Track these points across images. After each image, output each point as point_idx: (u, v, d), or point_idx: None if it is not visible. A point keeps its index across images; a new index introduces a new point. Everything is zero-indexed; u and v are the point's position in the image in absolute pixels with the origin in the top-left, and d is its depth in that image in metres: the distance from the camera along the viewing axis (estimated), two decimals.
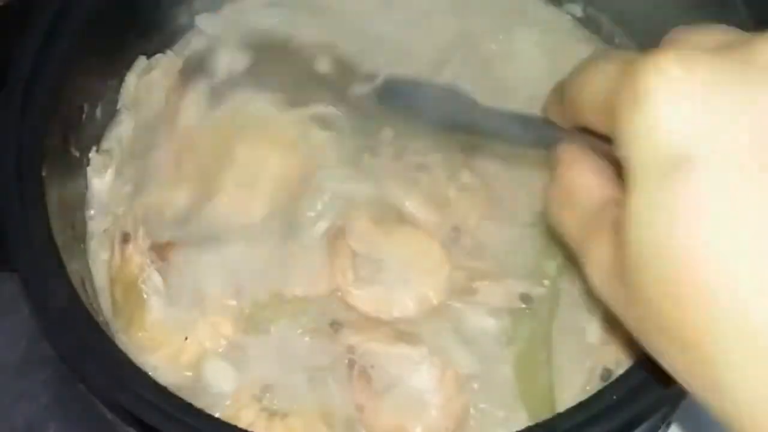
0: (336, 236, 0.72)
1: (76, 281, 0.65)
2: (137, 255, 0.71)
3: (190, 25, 0.86)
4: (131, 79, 0.83)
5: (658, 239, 0.33)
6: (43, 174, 0.67)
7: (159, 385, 0.61)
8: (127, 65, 0.83)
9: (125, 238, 0.72)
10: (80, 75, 0.74)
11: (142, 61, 0.84)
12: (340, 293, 0.71)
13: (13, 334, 0.79)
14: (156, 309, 0.70)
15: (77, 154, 0.76)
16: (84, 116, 0.77)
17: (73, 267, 0.66)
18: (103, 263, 0.74)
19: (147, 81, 0.83)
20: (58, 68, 0.71)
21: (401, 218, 0.73)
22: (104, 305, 0.72)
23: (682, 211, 0.32)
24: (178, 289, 0.71)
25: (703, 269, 0.32)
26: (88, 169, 0.78)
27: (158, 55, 0.85)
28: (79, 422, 0.77)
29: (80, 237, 0.74)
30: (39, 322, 0.63)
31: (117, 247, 0.72)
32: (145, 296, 0.71)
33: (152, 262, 0.71)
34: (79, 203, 0.76)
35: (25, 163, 0.67)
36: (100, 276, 0.73)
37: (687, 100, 0.32)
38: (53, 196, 0.67)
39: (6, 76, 0.69)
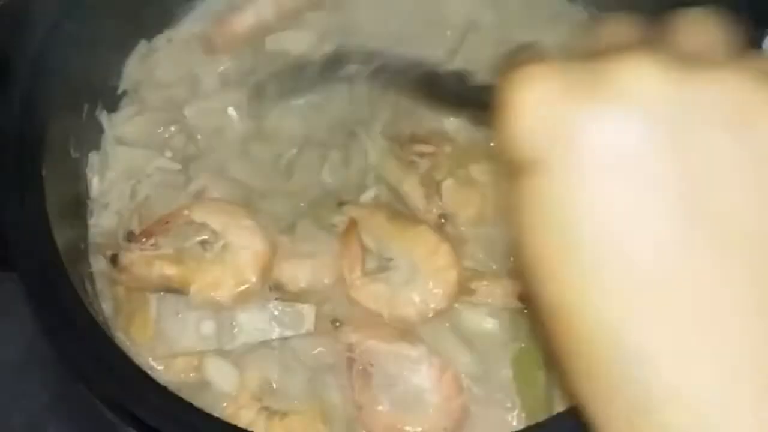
0: (348, 229, 0.72)
1: (76, 281, 0.65)
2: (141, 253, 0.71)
3: (190, 6, 0.86)
4: (132, 64, 0.82)
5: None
6: (43, 174, 0.67)
7: (159, 385, 0.61)
8: (127, 54, 0.82)
9: (129, 237, 0.72)
10: (80, 75, 0.74)
11: (142, 46, 0.83)
12: (344, 287, 0.71)
13: (13, 334, 0.79)
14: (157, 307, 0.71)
15: (77, 154, 0.76)
16: (84, 116, 0.77)
17: (73, 267, 0.66)
18: (103, 263, 0.73)
19: (150, 64, 0.83)
20: (57, 69, 0.71)
21: (414, 217, 0.73)
22: (104, 305, 0.72)
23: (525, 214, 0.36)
24: None
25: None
26: (88, 169, 0.78)
27: (160, 36, 0.84)
28: (79, 422, 0.77)
29: (80, 237, 0.74)
30: (39, 322, 0.63)
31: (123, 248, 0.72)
32: (147, 295, 0.71)
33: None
34: (79, 203, 0.76)
35: (25, 163, 0.67)
36: (99, 275, 0.73)
37: (536, 110, 0.35)
38: (53, 196, 0.67)
39: (6, 75, 0.69)
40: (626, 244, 0.33)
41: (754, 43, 0.72)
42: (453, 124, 0.78)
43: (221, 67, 0.82)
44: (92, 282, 0.72)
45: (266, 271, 0.71)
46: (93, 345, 0.61)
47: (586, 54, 0.36)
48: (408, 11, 0.84)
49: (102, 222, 0.76)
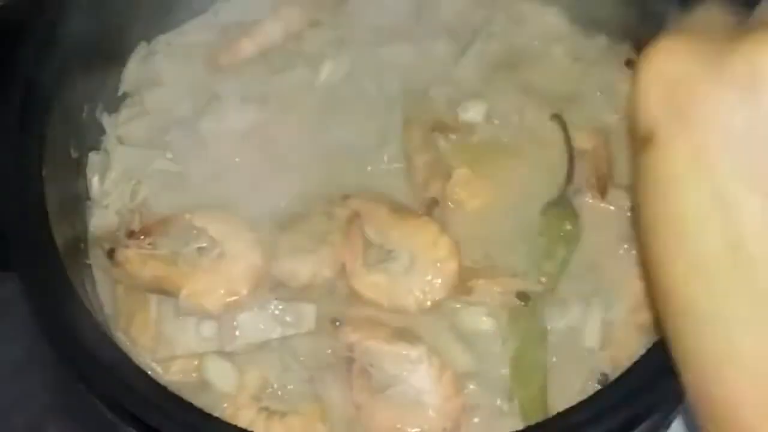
0: (351, 220, 0.73)
1: (76, 281, 0.65)
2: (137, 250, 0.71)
3: (190, 13, 0.86)
4: (132, 66, 0.82)
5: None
6: (43, 174, 0.67)
7: (159, 385, 0.61)
8: (126, 55, 0.82)
9: (130, 235, 0.72)
10: (80, 75, 0.74)
11: (142, 48, 0.83)
12: (345, 281, 0.71)
13: (13, 334, 0.79)
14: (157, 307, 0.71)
15: (77, 154, 0.76)
16: (84, 116, 0.77)
17: (73, 267, 0.66)
18: (103, 262, 0.74)
19: (150, 66, 0.82)
20: (57, 69, 0.71)
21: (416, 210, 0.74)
22: (104, 304, 0.72)
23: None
24: None
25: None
26: (88, 169, 0.78)
27: (160, 37, 0.84)
28: (79, 422, 0.77)
29: (80, 237, 0.74)
30: (39, 322, 0.63)
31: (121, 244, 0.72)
32: (147, 295, 0.71)
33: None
34: (79, 203, 0.76)
35: (25, 163, 0.67)
36: (99, 275, 0.73)
37: (660, 84, 0.38)
38: (53, 196, 0.67)
39: (6, 76, 0.69)
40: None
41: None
42: (479, 117, 0.78)
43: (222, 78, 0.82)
44: (92, 282, 0.72)
45: (258, 285, 0.71)
46: (93, 345, 0.61)
47: (717, 31, 0.38)
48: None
49: (102, 222, 0.76)
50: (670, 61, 0.37)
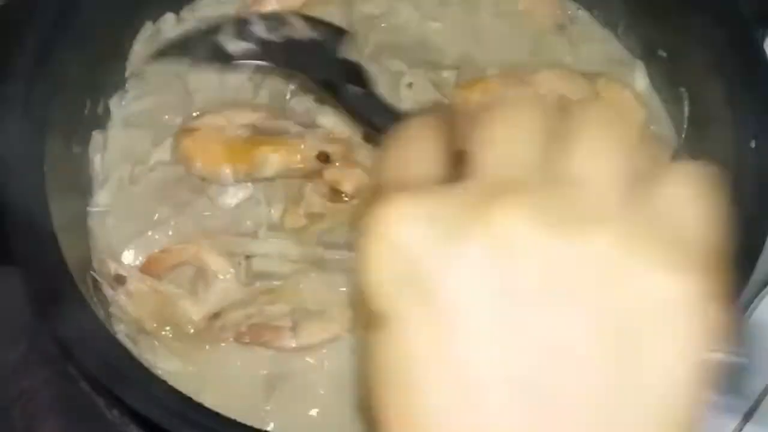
0: None
1: (78, 278, 0.65)
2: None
3: None
4: (138, 48, 0.81)
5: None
6: (45, 169, 0.67)
7: (162, 381, 0.61)
8: (133, 36, 0.82)
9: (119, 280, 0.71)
10: (81, 70, 0.74)
11: (148, 28, 0.82)
12: None
13: (13, 333, 0.79)
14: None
15: (79, 149, 0.76)
16: (86, 111, 0.77)
17: (75, 264, 0.66)
18: (103, 262, 0.73)
19: (156, 47, 0.80)
20: (59, 65, 0.71)
21: None
22: (107, 302, 0.72)
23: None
24: None
25: None
26: (89, 167, 0.77)
27: (167, 15, 0.83)
28: (79, 422, 0.77)
29: (82, 234, 0.74)
30: (40, 319, 0.63)
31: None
32: None
33: None
34: (81, 199, 0.76)
35: (27, 158, 0.67)
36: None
37: (393, 258, 0.31)
38: (55, 192, 0.67)
39: (7, 71, 0.69)
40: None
41: (755, 43, 0.73)
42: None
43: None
44: (94, 279, 0.72)
45: None
46: (95, 343, 0.61)
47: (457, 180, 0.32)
48: None
49: (102, 222, 0.76)
50: (403, 228, 0.30)
